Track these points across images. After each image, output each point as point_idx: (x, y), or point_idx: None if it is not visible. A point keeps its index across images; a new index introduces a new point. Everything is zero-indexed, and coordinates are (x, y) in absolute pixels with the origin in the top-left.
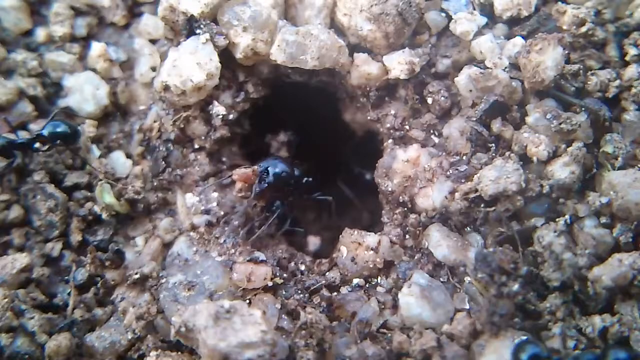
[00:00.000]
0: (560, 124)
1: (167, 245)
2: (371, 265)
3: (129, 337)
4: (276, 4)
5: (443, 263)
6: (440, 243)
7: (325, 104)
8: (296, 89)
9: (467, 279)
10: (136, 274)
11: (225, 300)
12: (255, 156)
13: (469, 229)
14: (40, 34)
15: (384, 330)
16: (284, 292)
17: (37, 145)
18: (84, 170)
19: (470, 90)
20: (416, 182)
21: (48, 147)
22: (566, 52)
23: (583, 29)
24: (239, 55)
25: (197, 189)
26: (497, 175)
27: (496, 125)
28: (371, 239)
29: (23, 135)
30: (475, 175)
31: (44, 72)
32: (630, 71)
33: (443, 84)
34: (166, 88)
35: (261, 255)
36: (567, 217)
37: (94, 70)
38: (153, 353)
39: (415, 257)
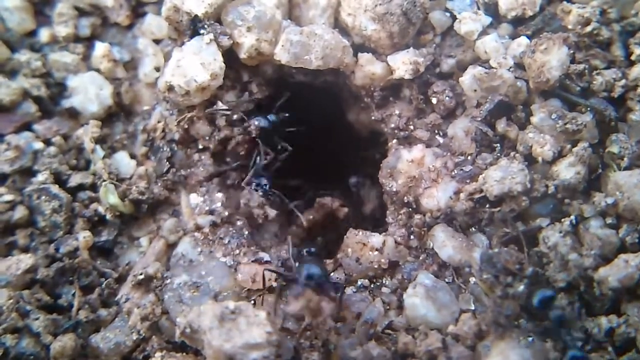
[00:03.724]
0: (565, 124)
1: (171, 246)
2: (376, 266)
3: (134, 338)
4: (280, 3)
5: (448, 263)
6: (445, 243)
7: (329, 104)
8: (300, 89)
9: (472, 279)
10: (140, 274)
11: (230, 301)
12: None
13: (474, 229)
14: (44, 34)
15: (389, 331)
16: (288, 293)
17: None
18: (88, 170)
19: (475, 90)
20: (421, 182)
21: None
22: (571, 51)
23: (588, 29)
24: (243, 55)
25: (201, 189)
26: (502, 176)
27: (501, 125)
28: (376, 239)
29: None
30: (480, 176)
31: (47, 72)
32: (636, 71)
33: (447, 83)
34: (170, 88)
35: (266, 256)
36: (572, 217)
37: (97, 70)
38: (158, 354)
39: (420, 258)
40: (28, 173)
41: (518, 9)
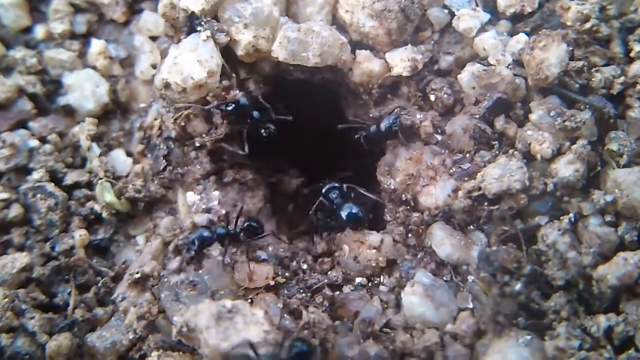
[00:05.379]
0: (564, 121)
1: (168, 244)
2: (374, 264)
3: (130, 337)
4: (277, 0)
5: (446, 262)
6: (443, 242)
7: (327, 101)
8: (298, 86)
9: (471, 277)
10: (137, 273)
11: (227, 300)
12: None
13: (472, 227)
14: (40, 31)
15: (387, 330)
16: (286, 292)
17: None
18: (84, 168)
19: (474, 88)
20: (419, 180)
21: None
22: (570, 48)
23: (587, 25)
24: (240, 52)
25: (198, 187)
26: (501, 173)
27: (500, 122)
28: (374, 237)
29: None
30: (479, 173)
31: (43, 69)
32: (635, 68)
33: (446, 81)
34: (167, 85)
35: (263, 254)
36: (571, 215)
37: (93, 67)
38: (154, 353)
39: (418, 256)
40: (23, 171)
41: (517, 5)
